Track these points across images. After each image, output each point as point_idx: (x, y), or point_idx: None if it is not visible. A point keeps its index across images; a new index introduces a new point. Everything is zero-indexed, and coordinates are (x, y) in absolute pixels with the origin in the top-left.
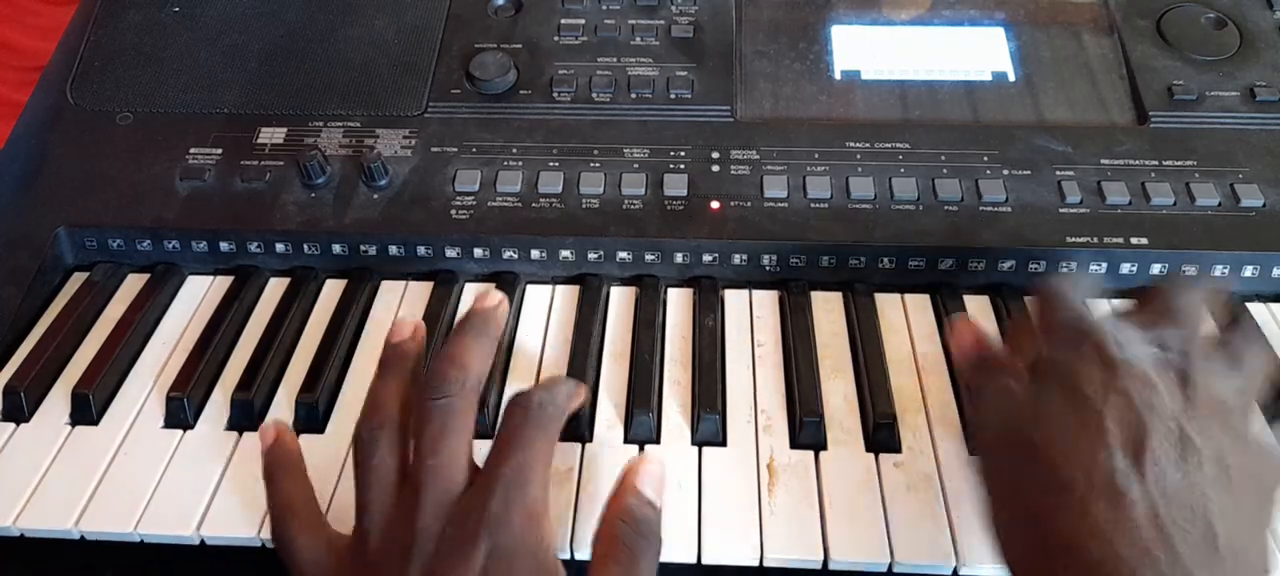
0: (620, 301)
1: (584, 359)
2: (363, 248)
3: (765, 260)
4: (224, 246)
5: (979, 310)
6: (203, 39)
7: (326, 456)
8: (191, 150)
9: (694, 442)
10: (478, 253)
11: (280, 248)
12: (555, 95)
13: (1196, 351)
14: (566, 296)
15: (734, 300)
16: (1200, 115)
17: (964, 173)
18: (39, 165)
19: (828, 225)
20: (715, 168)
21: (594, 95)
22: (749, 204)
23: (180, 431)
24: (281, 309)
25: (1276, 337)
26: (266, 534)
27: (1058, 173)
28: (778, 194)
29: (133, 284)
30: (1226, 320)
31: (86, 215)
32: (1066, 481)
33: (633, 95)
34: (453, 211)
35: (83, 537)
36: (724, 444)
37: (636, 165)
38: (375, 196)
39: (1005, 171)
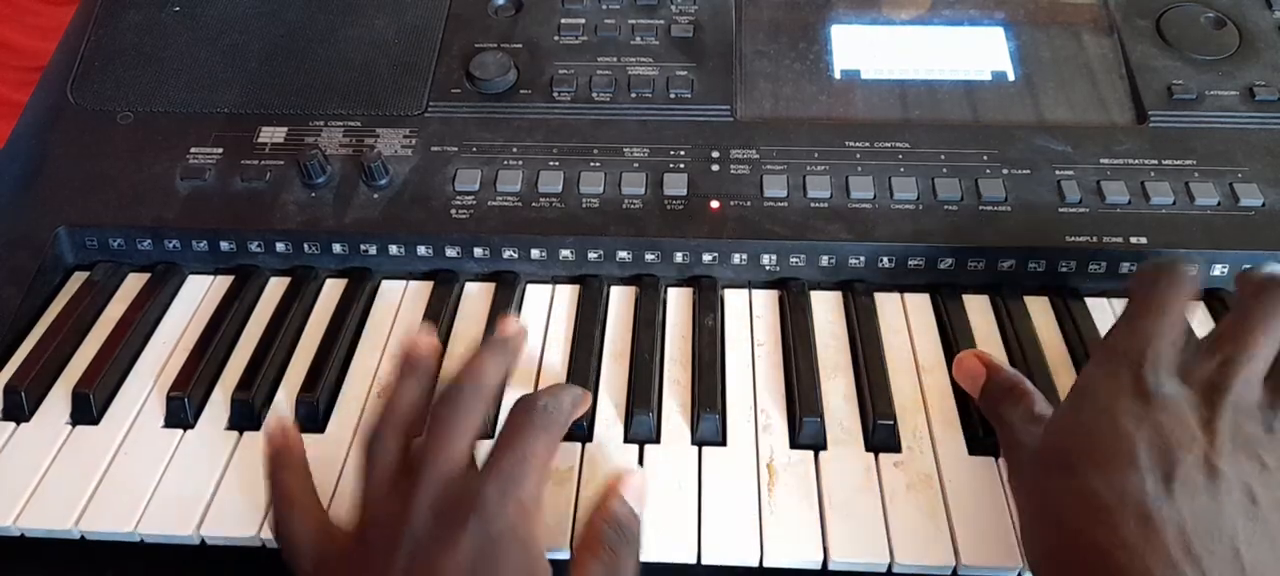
0: (620, 301)
1: (584, 358)
2: (363, 247)
3: (765, 260)
4: (224, 246)
5: (979, 310)
6: (203, 39)
7: (326, 455)
8: (192, 150)
9: (694, 442)
10: (478, 252)
11: (280, 247)
12: (555, 95)
13: (1234, 388)
14: (566, 296)
15: (734, 300)
16: (1200, 115)
17: (964, 172)
18: (39, 165)
19: (828, 225)
20: (715, 167)
21: (594, 95)
22: (749, 203)
23: (180, 431)
24: (281, 309)
25: None
26: (266, 534)
27: (1057, 172)
28: (778, 193)
29: (133, 283)
30: None
31: (87, 215)
32: (1100, 500)
33: (633, 95)
34: (453, 211)
35: (83, 537)
36: (724, 443)
37: (636, 165)
38: (375, 196)
39: (1005, 171)
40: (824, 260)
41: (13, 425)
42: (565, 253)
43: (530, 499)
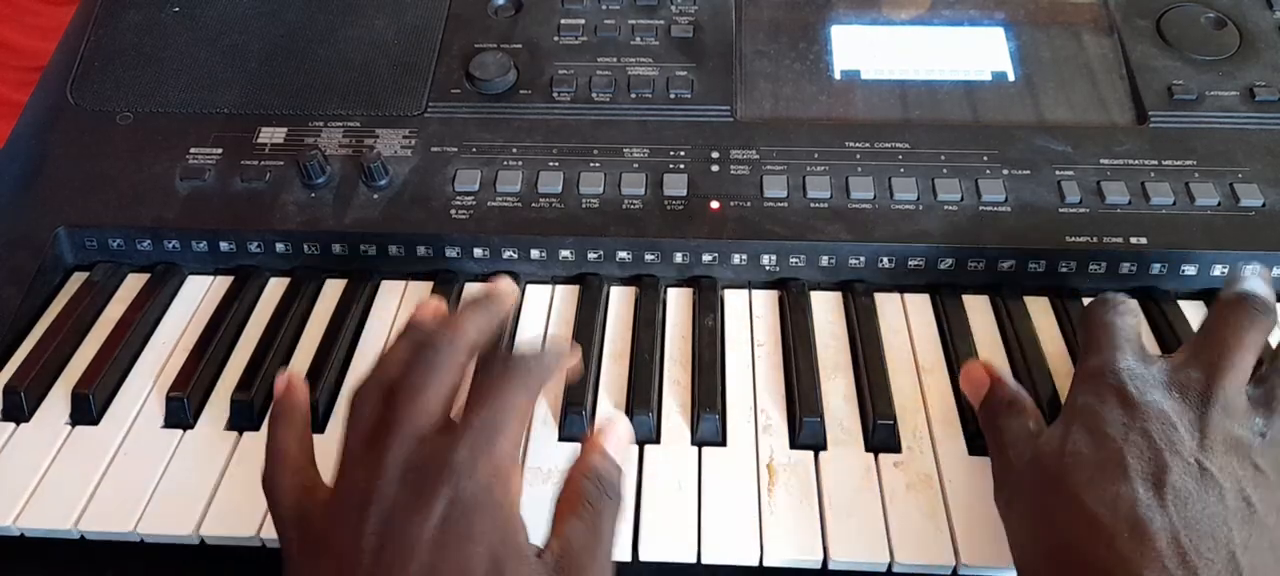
0: (620, 301)
1: (584, 359)
2: (363, 248)
3: (765, 260)
4: (224, 246)
5: (979, 310)
6: (203, 39)
7: (326, 455)
8: (191, 150)
9: (694, 442)
10: (478, 252)
11: (280, 248)
12: (555, 95)
13: (1218, 394)
14: (566, 296)
15: (734, 300)
16: (1200, 115)
17: (964, 173)
18: (39, 165)
19: (828, 225)
20: (715, 168)
21: (594, 95)
22: (749, 204)
23: (180, 431)
24: (281, 309)
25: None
26: (266, 533)
27: (1057, 172)
28: (778, 194)
29: (133, 284)
30: (1270, 360)
31: (86, 215)
32: (1093, 514)
33: (633, 95)
34: (453, 211)
35: (83, 537)
36: (724, 444)
37: (636, 165)
38: (375, 196)
39: (1005, 171)
40: (824, 260)
41: (12, 425)
42: (565, 253)
43: (505, 456)
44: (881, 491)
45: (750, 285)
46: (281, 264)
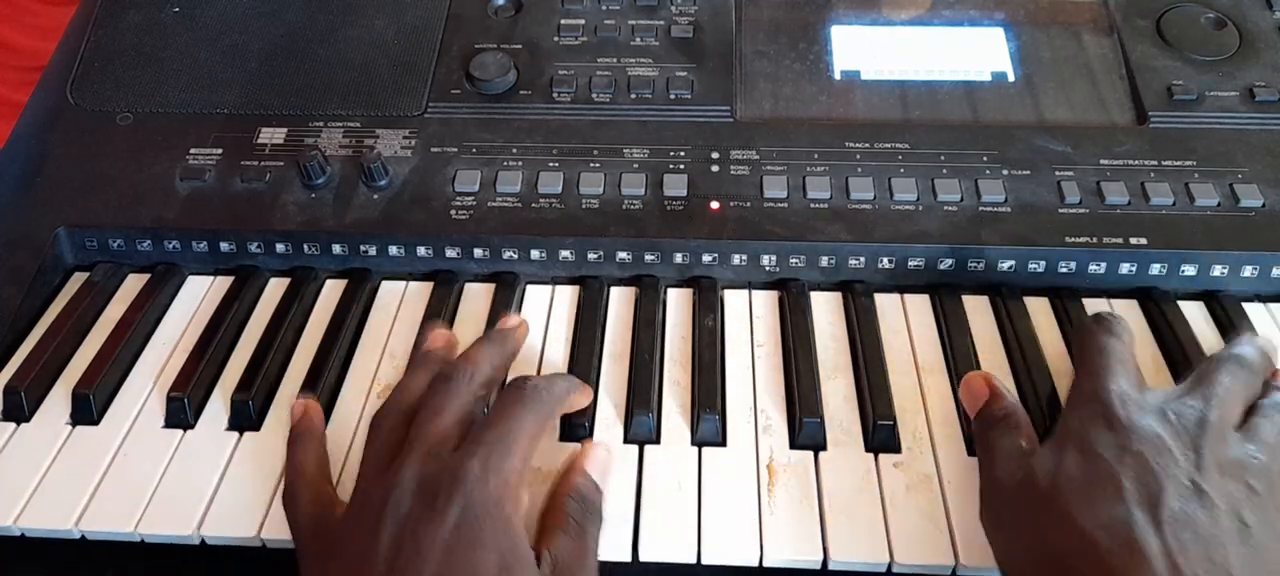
0: (620, 301)
1: (584, 359)
2: (363, 248)
3: (765, 260)
4: (224, 246)
5: (979, 310)
6: (203, 39)
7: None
8: (191, 150)
9: (694, 443)
10: (478, 253)
11: (280, 248)
12: (555, 95)
13: (1213, 418)
14: (566, 296)
15: (733, 300)
16: (1200, 115)
17: (964, 173)
18: (39, 165)
19: (828, 226)
20: (715, 168)
21: (594, 95)
22: (749, 204)
23: (180, 431)
24: (281, 309)
25: (1277, 339)
26: (267, 534)
27: (1057, 173)
28: (777, 194)
29: (133, 284)
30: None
31: (86, 215)
32: (1089, 537)
33: (633, 95)
34: (453, 212)
35: (83, 537)
36: (724, 444)
37: (636, 165)
38: (375, 197)
39: (1005, 171)
40: (824, 261)
41: (13, 425)
42: (565, 253)
43: (513, 473)
44: (881, 492)
45: (750, 285)
46: (281, 264)
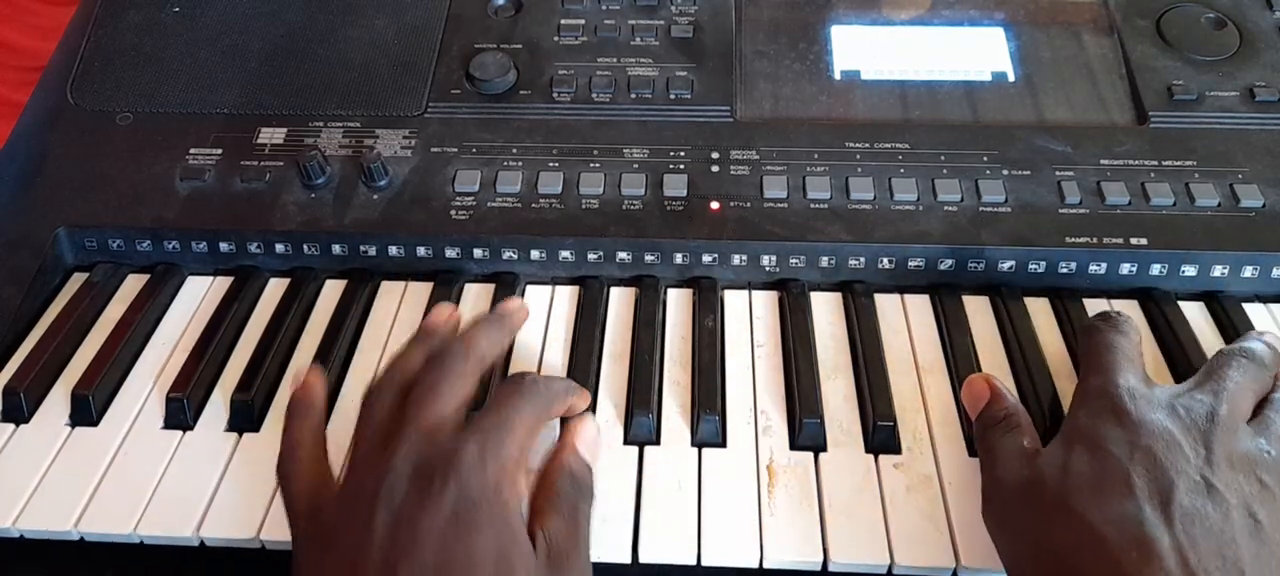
0: (620, 302)
1: (584, 359)
2: (363, 248)
3: (765, 261)
4: (224, 247)
5: (979, 311)
6: (203, 39)
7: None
8: (191, 150)
9: (694, 443)
10: (477, 253)
11: (280, 248)
12: (555, 95)
13: (1223, 413)
14: (566, 297)
15: (734, 301)
16: (1200, 115)
17: (964, 173)
18: (39, 165)
19: (828, 226)
20: (715, 168)
21: (594, 95)
22: (749, 204)
23: (180, 432)
24: (281, 309)
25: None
26: (266, 535)
27: (1057, 173)
28: (777, 194)
29: (133, 284)
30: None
31: (86, 215)
32: (1099, 534)
33: (632, 95)
34: (452, 212)
35: (83, 538)
36: (724, 445)
37: (636, 165)
38: (375, 197)
39: (1005, 171)
40: (824, 261)
41: (12, 426)
42: (565, 253)
43: (510, 461)
44: (881, 493)
45: (750, 286)
46: (281, 264)
